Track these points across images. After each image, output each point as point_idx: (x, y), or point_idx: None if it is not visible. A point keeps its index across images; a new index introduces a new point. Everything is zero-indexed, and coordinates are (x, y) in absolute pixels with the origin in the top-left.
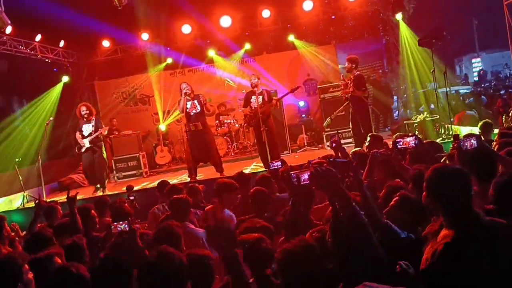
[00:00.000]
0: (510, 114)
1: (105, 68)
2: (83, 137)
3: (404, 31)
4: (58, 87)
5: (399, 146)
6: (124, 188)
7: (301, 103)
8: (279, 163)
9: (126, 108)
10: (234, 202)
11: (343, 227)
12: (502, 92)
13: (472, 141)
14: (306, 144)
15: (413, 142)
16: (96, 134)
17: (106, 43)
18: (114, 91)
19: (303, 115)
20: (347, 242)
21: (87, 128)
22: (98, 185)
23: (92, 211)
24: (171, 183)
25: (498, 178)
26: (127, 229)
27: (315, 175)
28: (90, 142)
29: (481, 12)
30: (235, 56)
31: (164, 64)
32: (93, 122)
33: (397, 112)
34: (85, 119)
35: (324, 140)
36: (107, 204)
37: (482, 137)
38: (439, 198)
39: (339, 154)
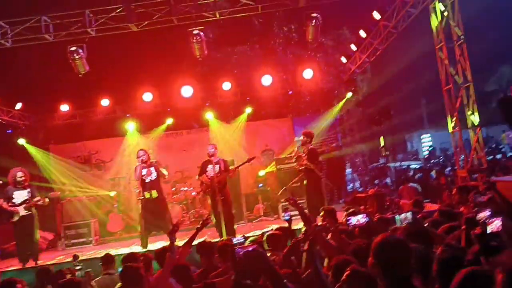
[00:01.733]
0: (453, 192)
1: (62, 132)
2: (15, 204)
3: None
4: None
5: (350, 224)
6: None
7: (260, 173)
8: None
9: (80, 173)
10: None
11: None
12: (448, 169)
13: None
14: (262, 214)
15: (364, 219)
16: (37, 201)
17: (64, 107)
18: (70, 156)
19: (260, 185)
20: None
21: (21, 195)
22: (29, 253)
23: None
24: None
25: (440, 253)
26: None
27: (245, 259)
28: (26, 208)
29: (429, 92)
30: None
31: (126, 130)
32: (28, 189)
33: (351, 184)
34: (19, 186)
35: (280, 211)
36: (50, 274)
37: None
38: (380, 264)
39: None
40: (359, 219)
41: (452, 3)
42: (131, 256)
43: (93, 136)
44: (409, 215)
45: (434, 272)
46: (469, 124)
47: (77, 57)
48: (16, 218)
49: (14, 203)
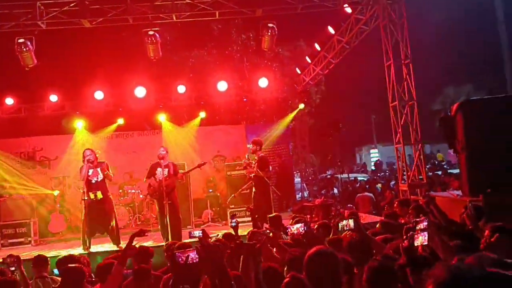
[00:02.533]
0: (394, 205)
1: (6, 126)
2: None
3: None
4: None
5: (289, 233)
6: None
7: (211, 178)
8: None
9: (23, 170)
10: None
11: None
12: (392, 182)
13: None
14: (210, 219)
15: (302, 228)
16: None
17: (9, 101)
18: (13, 151)
19: (210, 190)
20: None
21: None
22: None
23: None
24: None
25: (371, 262)
26: None
27: (203, 250)
28: None
29: (379, 108)
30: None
31: (75, 128)
32: None
33: (300, 193)
34: None
35: (228, 217)
36: None
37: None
38: (310, 276)
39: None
40: (298, 227)
41: (402, 24)
42: (68, 259)
43: (39, 132)
44: (351, 222)
45: (364, 280)
46: (412, 140)
47: (25, 49)
48: None
49: None
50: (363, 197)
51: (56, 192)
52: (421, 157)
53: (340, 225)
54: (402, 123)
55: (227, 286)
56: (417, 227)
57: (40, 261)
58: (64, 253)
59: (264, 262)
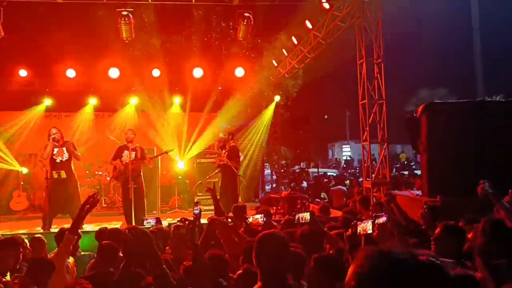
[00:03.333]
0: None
1: None
2: None
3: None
4: None
5: (248, 222)
6: None
7: (180, 165)
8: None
9: None
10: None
11: None
12: (361, 179)
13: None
14: (177, 206)
15: (261, 219)
16: None
17: None
18: None
19: (180, 177)
20: None
21: None
22: None
23: None
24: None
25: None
26: None
27: (131, 238)
28: None
29: (353, 105)
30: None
31: (43, 105)
32: None
33: (270, 185)
34: None
35: None
36: None
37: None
38: (259, 259)
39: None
40: (257, 218)
41: (377, 23)
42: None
43: (5, 107)
44: (307, 215)
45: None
46: (379, 139)
47: None
48: None
49: None
50: (337, 190)
51: (24, 170)
52: (386, 156)
53: (296, 216)
54: (370, 122)
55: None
56: (376, 222)
57: None
58: (22, 231)
59: (219, 249)
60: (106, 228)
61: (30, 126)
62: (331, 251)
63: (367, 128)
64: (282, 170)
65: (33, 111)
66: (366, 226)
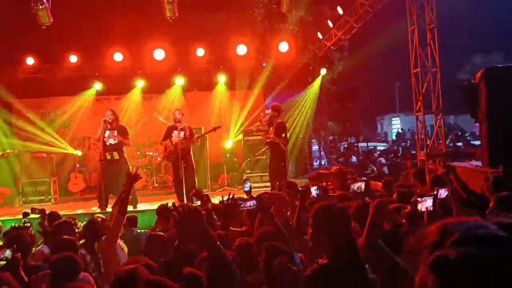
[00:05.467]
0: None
1: (26, 87)
2: None
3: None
4: None
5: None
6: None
7: (228, 143)
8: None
9: (43, 130)
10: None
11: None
12: (413, 152)
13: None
14: (226, 184)
15: (316, 192)
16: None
17: (30, 60)
18: (33, 112)
19: (228, 155)
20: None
21: None
22: None
23: None
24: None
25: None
26: (11, 257)
27: (179, 216)
28: None
29: (403, 76)
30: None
31: (93, 89)
32: None
33: (318, 161)
34: None
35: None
36: None
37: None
38: (326, 231)
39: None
40: (312, 191)
41: None
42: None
43: (58, 93)
44: (362, 184)
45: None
46: (433, 109)
47: (40, 7)
48: None
49: None
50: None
51: (79, 153)
52: (442, 126)
53: (352, 186)
54: (423, 91)
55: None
56: (439, 197)
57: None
58: (80, 211)
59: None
60: (166, 204)
61: (83, 110)
62: (386, 226)
63: (421, 98)
64: (331, 145)
65: (85, 95)
66: (427, 202)
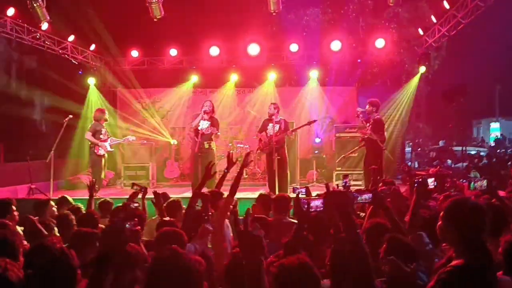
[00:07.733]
0: None
1: (130, 78)
2: (102, 140)
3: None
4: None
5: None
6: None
7: (317, 139)
8: (303, 189)
9: (144, 119)
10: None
11: (344, 253)
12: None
13: None
14: (315, 180)
15: (432, 183)
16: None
17: (135, 53)
18: (135, 101)
19: (316, 151)
20: (345, 268)
21: (106, 132)
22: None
23: None
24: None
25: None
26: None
27: (331, 194)
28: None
29: (505, 78)
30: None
31: (190, 82)
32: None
33: (410, 163)
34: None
35: (334, 179)
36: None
37: None
38: (459, 226)
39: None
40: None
41: None
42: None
43: (158, 84)
44: (484, 182)
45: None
46: None
47: (154, 0)
48: (101, 152)
49: (101, 138)
50: None
51: (174, 142)
52: None
53: (472, 185)
54: None
55: (353, 233)
56: None
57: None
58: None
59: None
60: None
61: (182, 102)
62: None
63: None
64: (419, 149)
65: (183, 87)
66: None
